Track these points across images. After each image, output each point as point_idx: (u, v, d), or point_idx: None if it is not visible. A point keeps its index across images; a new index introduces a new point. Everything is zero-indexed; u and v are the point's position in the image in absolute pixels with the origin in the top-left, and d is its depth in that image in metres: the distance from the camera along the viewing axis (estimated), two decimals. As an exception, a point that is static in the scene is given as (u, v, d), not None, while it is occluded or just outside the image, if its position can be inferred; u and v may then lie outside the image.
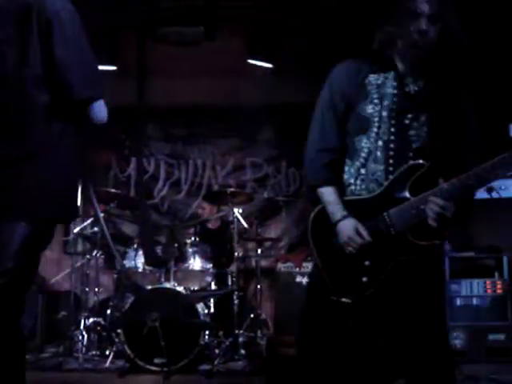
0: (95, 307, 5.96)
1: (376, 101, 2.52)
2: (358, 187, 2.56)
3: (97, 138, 4.11)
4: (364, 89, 2.55)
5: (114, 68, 6.59)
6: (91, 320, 5.66)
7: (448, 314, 5.72)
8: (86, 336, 5.54)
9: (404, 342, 2.51)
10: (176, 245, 5.72)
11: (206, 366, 5.18)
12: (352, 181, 2.57)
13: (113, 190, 6.32)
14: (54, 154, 2.35)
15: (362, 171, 2.54)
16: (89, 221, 5.98)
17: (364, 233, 2.50)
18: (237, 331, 5.57)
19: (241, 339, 5.57)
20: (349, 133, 2.58)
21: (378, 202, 2.50)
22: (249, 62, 6.55)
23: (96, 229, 5.85)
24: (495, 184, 4.47)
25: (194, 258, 5.72)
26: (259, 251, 6.13)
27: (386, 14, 2.51)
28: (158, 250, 5.93)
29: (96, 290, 5.95)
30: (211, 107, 7.27)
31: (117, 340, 5.24)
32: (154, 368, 4.98)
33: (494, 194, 4.56)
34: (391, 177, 2.48)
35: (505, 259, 5.71)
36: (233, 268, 5.90)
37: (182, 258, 5.72)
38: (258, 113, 7.20)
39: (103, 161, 7.42)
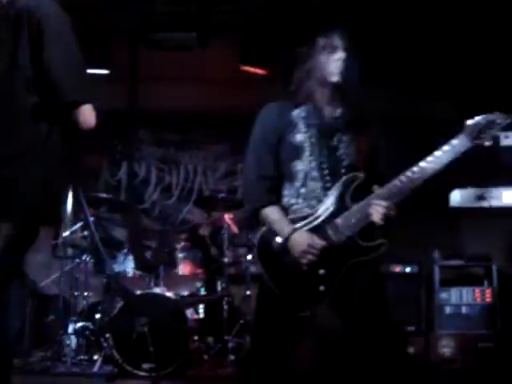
0: (84, 311, 5.92)
1: (304, 130, 2.85)
2: (299, 205, 2.82)
3: (88, 141, 4.11)
4: (291, 122, 2.88)
5: (106, 72, 6.58)
6: (80, 324, 5.63)
7: (437, 322, 5.75)
8: (74, 340, 5.52)
9: (357, 334, 2.73)
10: (166, 250, 5.71)
11: (194, 372, 5.17)
12: (293, 200, 2.83)
13: (103, 195, 6.31)
14: (40, 155, 2.36)
15: (302, 190, 2.81)
16: (79, 225, 5.96)
17: (318, 241, 2.71)
18: (226, 337, 5.56)
19: (230, 345, 5.56)
20: (284, 161, 2.86)
21: (323, 215, 2.76)
22: (242, 68, 6.55)
23: (86, 233, 5.83)
24: (485, 193, 4.49)
25: (184, 264, 5.72)
26: (249, 257, 6.12)
27: (303, 52, 2.91)
28: (148, 254, 5.92)
29: (85, 294, 5.92)
30: (203, 113, 7.27)
31: (105, 345, 5.22)
32: (142, 373, 4.96)
33: (484, 203, 4.57)
34: (329, 192, 2.77)
35: (494, 268, 5.73)
36: (223, 273, 5.89)
37: (172, 263, 5.71)
38: (251, 119, 7.19)
39: (94, 165, 7.40)
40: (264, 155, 2.95)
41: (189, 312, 5.32)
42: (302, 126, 2.87)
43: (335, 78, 2.80)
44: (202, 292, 5.73)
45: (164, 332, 5.04)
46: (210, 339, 5.66)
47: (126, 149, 7.32)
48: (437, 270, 5.86)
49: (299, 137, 2.85)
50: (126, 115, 7.12)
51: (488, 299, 5.70)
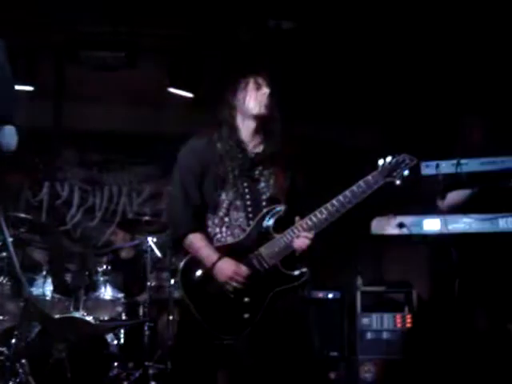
0: (-1, 336, 5.71)
1: (228, 162, 2.95)
2: (223, 234, 2.91)
3: (8, 159, 3.98)
4: (216, 154, 2.99)
5: (30, 88, 6.44)
6: (-6, 349, 5.42)
7: (359, 347, 5.81)
8: (-13, 366, 5.30)
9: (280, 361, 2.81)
10: (87, 273, 5.59)
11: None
12: (217, 230, 2.92)
13: (23, 215, 6.12)
14: None
15: (226, 219, 2.91)
16: (-4, 245, 5.76)
17: (243, 268, 2.79)
18: (147, 363, 5.46)
19: (151, 371, 5.46)
20: (208, 191, 2.96)
21: (246, 244, 2.85)
22: (169, 91, 6.53)
23: (4, 254, 5.64)
24: (405, 221, 4.62)
25: (105, 287, 5.60)
26: (172, 281, 6.05)
27: (229, 90, 3.08)
28: (68, 277, 5.77)
29: (1, 318, 5.70)
30: (129, 134, 7.20)
31: (21, 371, 5.02)
32: (58, 401, 4.81)
33: (405, 230, 4.66)
34: (252, 222, 2.87)
35: (414, 294, 5.85)
36: (145, 298, 5.79)
37: (93, 286, 5.58)
38: (177, 142, 7.17)
39: (14, 184, 7.20)
40: (189, 185, 3.01)
41: (109, 337, 5.19)
42: (226, 158, 2.97)
43: (259, 113, 2.95)
44: (123, 317, 5.60)
45: (83, 358, 4.92)
46: (131, 365, 5.54)
47: (48, 168, 7.15)
48: (359, 295, 5.94)
49: (222, 169, 2.95)
50: (49, 134, 6.98)
51: (408, 325, 5.81)
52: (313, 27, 5.83)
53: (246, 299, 2.79)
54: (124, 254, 6.50)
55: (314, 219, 2.84)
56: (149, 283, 5.78)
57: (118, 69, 6.31)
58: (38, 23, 5.93)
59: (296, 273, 2.84)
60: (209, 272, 2.82)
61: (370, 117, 6.84)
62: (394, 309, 5.91)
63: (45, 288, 5.59)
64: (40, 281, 5.62)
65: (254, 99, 2.97)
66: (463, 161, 4.15)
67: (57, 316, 5.23)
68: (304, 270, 2.85)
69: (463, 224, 4.17)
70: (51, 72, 6.68)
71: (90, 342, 5.04)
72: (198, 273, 2.87)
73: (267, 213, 2.89)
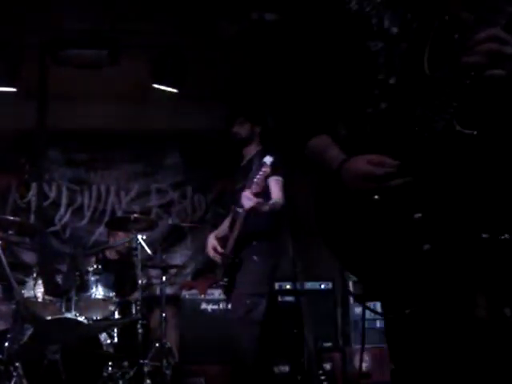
0: (-9, 340, 5.68)
1: None
2: None
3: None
4: None
5: (13, 90, 6.38)
6: (-13, 353, 5.39)
7: (353, 337, 5.82)
8: (-19, 370, 5.27)
9: None
10: (77, 273, 5.56)
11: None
12: None
13: (11, 217, 6.08)
14: None
15: None
16: (-15, 249, 5.73)
17: (388, 159, 1.67)
18: (141, 361, 5.43)
19: (146, 369, 5.43)
20: None
21: None
22: (154, 87, 6.49)
23: (-7, 257, 5.60)
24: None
25: (97, 287, 5.56)
26: (164, 278, 6.03)
27: None
28: (59, 278, 5.74)
29: (-7, 321, 5.68)
30: (115, 132, 7.17)
31: (15, 374, 5.00)
32: (54, 402, 4.79)
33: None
34: None
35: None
36: (136, 296, 5.76)
37: (84, 286, 5.55)
38: (164, 138, 7.15)
39: (1, 186, 7.16)
40: None
41: (102, 337, 5.16)
42: None
43: None
44: (116, 315, 5.58)
45: (77, 358, 4.88)
46: (125, 364, 5.52)
47: (35, 169, 7.10)
48: (351, 285, 5.94)
49: None
50: (34, 134, 6.93)
51: (402, 312, 5.82)
52: (296, 19, 5.81)
53: (418, 215, 1.60)
54: (114, 253, 6.48)
55: None
56: (140, 281, 5.76)
57: (101, 67, 6.26)
58: (20, 22, 5.87)
59: None
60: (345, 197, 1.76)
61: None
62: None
63: (36, 290, 5.55)
64: (31, 283, 5.58)
65: None
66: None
67: (49, 318, 5.20)
68: None
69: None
70: (34, 72, 6.62)
71: (83, 343, 5.00)
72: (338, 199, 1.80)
73: None
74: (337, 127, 1.94)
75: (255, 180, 3.99)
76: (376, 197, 1.67)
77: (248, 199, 4.04)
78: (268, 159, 3.98)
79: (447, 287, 1.61)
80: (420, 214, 1.59)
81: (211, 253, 4.45)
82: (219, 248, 4.40)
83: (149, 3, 5.66)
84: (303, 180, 4.36)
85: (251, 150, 4.55)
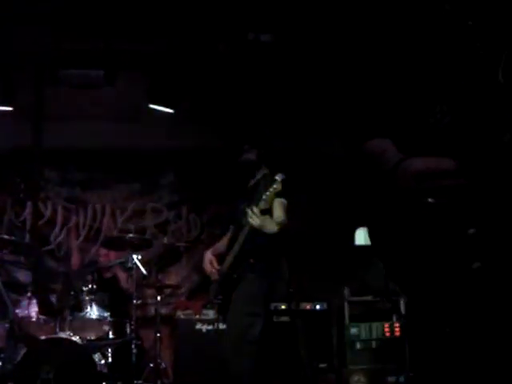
0: (-15, 359, 5.64)
1: None
2: None
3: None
4: None
5: (10, 109, 6.40)
6: (-20, 373, 5.34)
7: (349, 357, 5.80)
8: (-26, 391, 5.23)
9: None
10: (72, 292, 5.53)
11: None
12: None
13: (7, 236, 6.07)
14: None
15: None
16: (-20, 268, 5.71)
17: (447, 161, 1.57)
18: (136, 381, 5.41)
19: (140, 389, 5.41)
20: None
21: None
22: (150, 107, 6.51)
23: (-13, 276, 5.58)
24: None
25: (91, 307, 5.54)
26: (158, 298, 6.01)
27: None
28: (53, 298, 5.71)
29: (-14, 341, 5.64)
30: (111, 151, 7.17)
31: (8, 394, 4.97)
32: (47, 423, 4.74)
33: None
34: None
35: (401, 302, 5.85)
36: (131, 316, 5.74)
37: (79, 306, 5.53)
38: (159, 158, 7.16)
39: (-3, 204, 7.15)
40: None
41: (96, 357, 5.13)
42: None
43: None
44: (110, 335, 5.55)
45: (71, 378, 4.85)
46: (119, 384, 5.49)
47: (30, 188, 7.10)
48: (346, 306, 5.93)
49: None
50: (30, 153, 6.93)
51: (397, 333, 5.80)
52: (291, 40, 5.85)
53: (472, 230, 1.52)
54: (109, 273, 6.46)
55: None
56: (134, 301, 5.73)
57: (97, 86, 6.28)
58: (16, 42, 5.89)
59: None
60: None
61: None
62: (382, 318, 5.91)
63: (30, 309, 5.53)
64: (25, 302, 5.57)
65: None
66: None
67: (43, 337, 5.16)
68: None
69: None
70: (30, 91, 6.64)
71: (77, 363, 4.97)
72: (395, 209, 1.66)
73: None
74: (398, 134, 1.82)
75: (264, 197, 4.01)
76: (430, 200, 1.56)
77: (255, 217, 4.04)
78: (279, 176, 4.00)
79: (493, 310, 1.53)
80: (474, 230, 1.50)
81: (208, 267, 4.44)
82: (216, 263, 4.39)
83: (146, 23, 5.69)
84: (300, 203, 4.38)
85: (259, 173, 4.58)
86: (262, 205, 4.03)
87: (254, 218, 4.04)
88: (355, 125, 1.90)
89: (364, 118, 1.87)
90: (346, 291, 5.98)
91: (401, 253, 1.62)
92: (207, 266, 4.45)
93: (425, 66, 1.72)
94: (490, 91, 1.53)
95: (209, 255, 4.50)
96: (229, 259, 4.31)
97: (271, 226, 4.13)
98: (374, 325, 5.85)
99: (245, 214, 4.15)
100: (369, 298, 6.07)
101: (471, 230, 1.49)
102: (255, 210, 4.04)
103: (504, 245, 1.46)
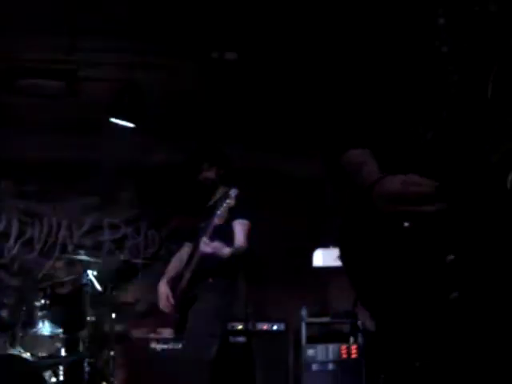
0: None
1: None
2: None
3: None
4: None
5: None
6: None
7: (305, 379, 5.77)
8: None
9: None
10: (24, 308, 5.42)
11: None
12: None
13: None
14: None
15: None
16: None
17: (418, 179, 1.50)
18: (87, 401, 5.30)
19: (91, 409, 5.31)
20: None
21: None
22: (110, 121, 6.44)
23: None
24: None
25: (44, 323, 5.42)
26: (113, 316, 5.92)
27: None
28: (4, 312, 5.59)
29: None
30: (70, 164, 7.07)
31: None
32: None
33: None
34: None
35: (359, 324, 5.85)
36: (85, 333, 5.63)
37: (31, 322, 5.41)
38: (119, 172, 7.08)
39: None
40: None
41: (47, 375, 5.02)
42: None
43: None
44: (63, 353, 5.43)
45: (19, 397, 4.73)
46: (70, 403, 5.38)
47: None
48: (304, 327, 5.91)
49: None
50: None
51: (353, 355, 5.79)
52: (256, 58, 5.86)
53: (450, 257, 1.43)
54: (63, 289, 6.34)
55: None
56: (89, 318, 5.64)
57: (58, 97, 6.20)
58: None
59: None
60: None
61: (310, 146, 6.87)
62: (339, 340, 5.90)
63: (-20, 324, 5.41)
64: (-26, 317, 5.44)
65: None
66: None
67: (-8, 354, 5.05)
68: None
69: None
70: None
71: (27, 381, 4.85)
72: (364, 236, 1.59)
73: None
74: (378, 145, 1.72)
75: (218, 212, 4.00)
76: (406, 224, 1.48)
77: (205, 245, 4.04)
78: (233, 192, 3.99)
79: (468, 346, 1.43)
80: (453, 256, 1.41)
81: (163, 303, 4.36)
82: (171, 299, 4.33)
83: (109, 36, 5.64)
84: (258, 223, 4.36)
85: (218, 192, 4.57)
86: (217, 221, 4.03)
87: (205, 247, 4.05)
88: (334, 134, 1.82)
89: (343, 128, 1.79)
90: (304, 312, 5.96)
91: (374, 277, 1.54)
92: (163, 302, 4.38)
93: (405, 85, 1.65)
94: (476, 109, 1.47)
95: (164, 289, 4.41)
96: (186, 277, 4.28)
97: (224, 252, 4.13)
98: (331, 346, 5.84)
99: (202, 233, 4.14)
100: (326, 319, 6.06)
101: (450, 257, 1.42)
102: (205, 238, 4.05)
103: (484, 274, 1.39)
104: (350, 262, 1.62)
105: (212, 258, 4.11)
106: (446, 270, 1.41)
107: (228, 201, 3.98)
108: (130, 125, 6.45)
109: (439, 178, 1.44)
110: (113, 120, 6.41)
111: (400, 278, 1.47)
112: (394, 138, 1.64)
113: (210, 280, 4.24)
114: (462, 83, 1.51)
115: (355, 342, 5.83)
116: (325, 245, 6.05)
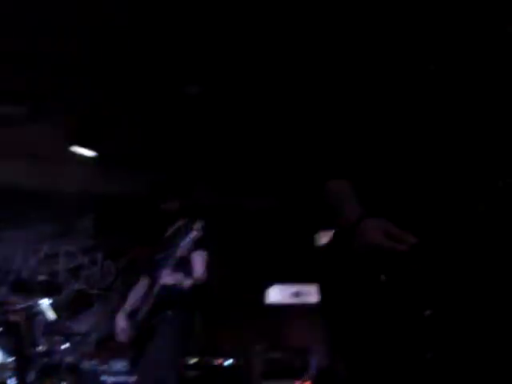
0: None
1: None
2: None
3: None
4: None
5: None
6: None
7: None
8: None
9: None
10: (-26, 335, 5.30)
11: None
12: None
13: None
14: None
15: None
16: None
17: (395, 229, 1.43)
18: (35, 433, 5.18)
19: None
20: None
21: None
22: (71, 149, 6.42)
23: None
24: (302, 290, 4.68)
25: (-7, 351, 5.31)
26: (65, 345, 5.82)
27: None
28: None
29: None
30: (26, 191, 6.99)
31: None
32: None
33: (301, 299, 4.72)
34: None
35: (312, 360, 5.88)
36: (36, 363, 5.52)
37: (-19, 350, 5.29)
38: (77, 201, 7.03)
39: None
40: None
41: (-5, 405, 4.90)
42: None
43: None
44: (12, 382, 5.32)
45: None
46: None
47: None
48: (258, 362, 5.91)
49: None
50: None
51: (307, 391, 5.82)
52: (219, 91, 5.92)
53: (428, 312, 1.37)
54: (15, 317, 6.22)
55: None
56: (41, 347, 5.53)
57: (19, 124, 6.16)
58: None
59: None
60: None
61: (269, 181, 6.94)
62: (293, 375, 5.91)
63: None
64: None
65: None
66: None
67: None
68: None
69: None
70: None
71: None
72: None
73: None
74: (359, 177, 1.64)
75: (182, 244, 4.00)
76: (383, 277, 1.40)
77: (167, 276, 4.03)
78: (199, 224, 4.01)
79: None
80: (430, 312, 1.34)
81: (120, 335, 4.31)
82: (129, 331, 4.29)
83: (70, 66, 5.63)
84: (217, 256, 4.39)
85: (177, 223, 4.57)
86: (180, 252, 4.03)
87: (167, 278, 4.04)
88: (314, 165, 1.74)
89: (323, 159, 1.71)
90: (258, 348, 5.96)
91: (351, 324, 1.47)
92: (120, 335, 4.32)
93: (386, 107, 1.60)
94: (462, 143, 1.42)
95: (122, 322, 4.36)
96: (144, 309, 4.24)
97: (185, 283, 4.13)
98: (285, 382, 5.84)
99: (162, 264, 4.13)
100: (280, 355, 6.07)
101: (427, 312, 1.35)
102: (167, 270, 4.05)
103: (462, 333, 1.32)
104: (328, 305, 1.56)
105: (172, 289, 4.09)
106: (422, 326, 1.34)
107: (194, 233, 3.99)
108: (90, 153, 6.44)
109: (420, 229, 1.38)
110: (73, 148, 6.40)
111: (376, 329, 1.41)
112: (375, 168, 1.60)
113: (170, 313, 4.21)
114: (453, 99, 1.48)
115: (308, 377, 5.85)
116: (280, 281, 6.09)
